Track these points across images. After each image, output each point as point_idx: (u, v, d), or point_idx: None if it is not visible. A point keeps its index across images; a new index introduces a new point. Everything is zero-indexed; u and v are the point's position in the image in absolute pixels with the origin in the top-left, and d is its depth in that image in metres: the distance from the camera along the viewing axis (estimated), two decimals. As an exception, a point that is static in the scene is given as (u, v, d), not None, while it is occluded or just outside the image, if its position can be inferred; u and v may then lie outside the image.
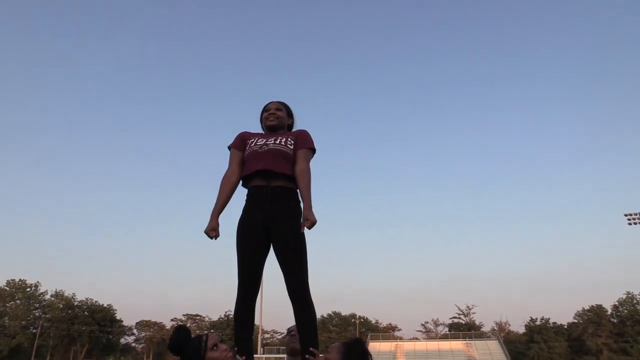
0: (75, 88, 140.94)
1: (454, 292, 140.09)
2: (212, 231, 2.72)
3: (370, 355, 2.14)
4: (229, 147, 2.93)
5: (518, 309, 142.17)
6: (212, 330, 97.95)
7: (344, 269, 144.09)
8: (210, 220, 2.72)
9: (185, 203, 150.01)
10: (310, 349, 2.49)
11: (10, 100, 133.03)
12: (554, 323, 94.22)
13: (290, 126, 3.14)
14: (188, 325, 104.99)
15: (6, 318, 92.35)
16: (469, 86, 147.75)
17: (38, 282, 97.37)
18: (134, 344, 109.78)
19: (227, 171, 2.88)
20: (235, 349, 2.53)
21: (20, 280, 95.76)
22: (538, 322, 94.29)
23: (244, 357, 2.49)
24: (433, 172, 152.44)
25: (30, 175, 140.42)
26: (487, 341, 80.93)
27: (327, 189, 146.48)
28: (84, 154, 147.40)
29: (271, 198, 2.72)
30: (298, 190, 2.78)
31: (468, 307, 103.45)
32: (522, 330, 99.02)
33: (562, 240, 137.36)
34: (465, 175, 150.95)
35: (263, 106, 3.07)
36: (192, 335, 2.29)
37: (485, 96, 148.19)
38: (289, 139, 2.92)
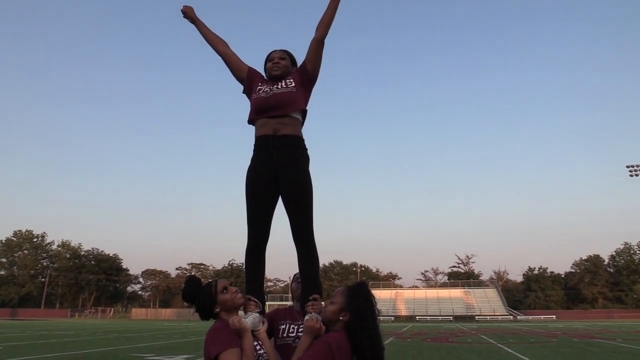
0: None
1: (453, 242, 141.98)
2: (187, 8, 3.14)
3: (374, 297, 2.26)
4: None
5: (516, 258, 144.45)
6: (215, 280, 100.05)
7: (346, 218, 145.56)
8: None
9: (188, 153, 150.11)
10: (313, 295, 2.53)
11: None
12: (552, 272, 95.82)
13: None
14: (192, 274, 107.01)
15: (15, 268, 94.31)
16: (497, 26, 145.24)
17: (44, 232, 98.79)
18: (140, 292, 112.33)
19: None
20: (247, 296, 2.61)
21: (27, 230, 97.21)
22: (536, 272, 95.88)
23: (257, 302, 2.54)
24: (434, 120, 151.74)
25: (34, 130, 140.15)
26: (486, 289, 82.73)
27: (330, 138, 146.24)
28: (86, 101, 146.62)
29: (277, 146, 2.75)
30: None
31: (467, 256, 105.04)
32: (520, 279, 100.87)
33: (562, 190, 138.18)
34: (466, 124, 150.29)
35: (266, 55, 3.09)
36: (203, 284, 2.42)
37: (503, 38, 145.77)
38: (289, 80, 2.93)
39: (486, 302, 76.00)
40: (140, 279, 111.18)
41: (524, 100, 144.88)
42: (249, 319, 2.29)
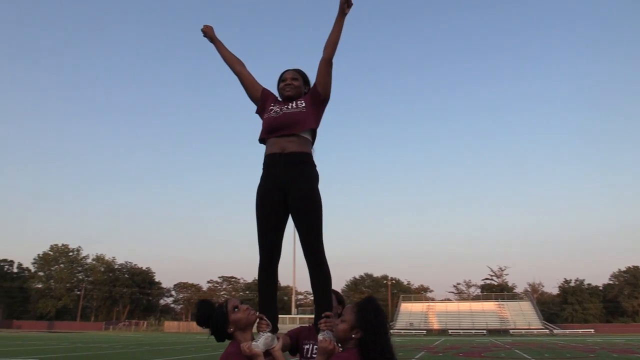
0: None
1: (486, 253, 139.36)
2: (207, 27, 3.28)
3: (382, 312, 2.23)
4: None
5: (552, 270, 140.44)
6: (247, 292, 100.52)
7: (377, 230, 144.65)
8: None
9: (221, 168, 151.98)
10: (326, 312, 2.53)
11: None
12: (589, 284, 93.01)
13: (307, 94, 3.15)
14: (224, 287, 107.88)
15: (52, 281, 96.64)
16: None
17: (80, 246, 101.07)
18: (172, 305, 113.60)
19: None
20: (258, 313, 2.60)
21: (62, 245, 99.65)
22: (572, 284, 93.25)
23: (268, 322, 2.55)
24: (464, 128, 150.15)
25: (68, 145, 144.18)
26: (520, 302, 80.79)
27: (360, 149, 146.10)
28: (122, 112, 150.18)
29: (285, 164, 2.78)
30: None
31: (500, 268, 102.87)
32: (555, 291, 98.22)
33: (599, 199, 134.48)
34: (499, 132, 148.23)
35: (279, 75, 3.13)
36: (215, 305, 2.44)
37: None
38: (300, 101, 2.97)
39: (521, 316, 74.24)
40: (173, 292, 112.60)
41: (559, 108, 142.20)
42: (261, 340, 2.30)
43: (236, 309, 2.35)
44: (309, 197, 2.74)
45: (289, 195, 2.74)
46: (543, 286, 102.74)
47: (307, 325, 2.97)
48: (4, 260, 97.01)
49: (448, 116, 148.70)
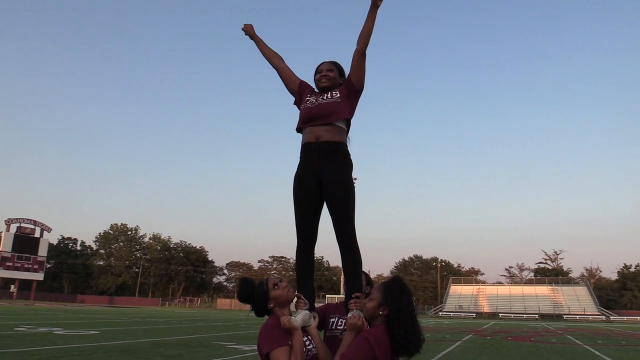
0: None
1: (540, 237, 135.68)
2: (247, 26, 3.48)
3: (408, 290, 2.32)
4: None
5: (610, 255, 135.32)
6: (291, 272, 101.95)
7: (427, 212, 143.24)
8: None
9: (274, 149, 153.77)
10: (355, 293, 2.64)
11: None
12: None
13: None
14: (274, 266, 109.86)
15: (112, 259, 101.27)
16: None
17: (137, 225, 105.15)
18: (225, 283, 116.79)
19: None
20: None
21: (122, 224, 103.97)
22: (633, 269, 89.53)
23: (305, 301, 2.69)
24: (517, 110, 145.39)
25: (125, 127, 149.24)
26: (575, 287, 78.48)
27: (414, 132, 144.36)
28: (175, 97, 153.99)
29: (319, 152, 2.90)
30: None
31: (556, 252, 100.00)
32: (614, 277, 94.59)
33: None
34: (552, 112, 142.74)
35: (316, 67, 3.22)
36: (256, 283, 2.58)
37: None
38: (335, 91, 3.07)
39: (575, 301, 72.20)
40: (225, 271, 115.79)
41: (610, 86, 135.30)
42: (299, 316, 2.44)
43: (276, 287, 2.48)
44: (341, 184, 2.84)
45: (322, 182, 2.86)
46: (601, 271, 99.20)
47: (336, 302, 3.14)
48: (69, 239, 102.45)
49: (503, 95, 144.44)
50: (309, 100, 3.09)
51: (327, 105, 3.01)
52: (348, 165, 2.96)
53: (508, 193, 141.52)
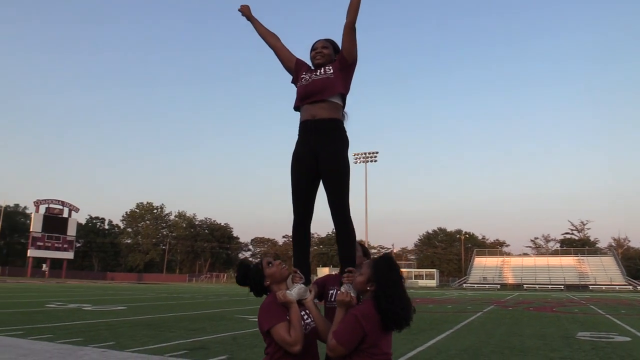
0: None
1: (566, 207, 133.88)
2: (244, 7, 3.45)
3: (397, 267, 2.36)
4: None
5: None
6: (320, 246, 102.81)
7: (450, 184, 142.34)
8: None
9: (290, 125, 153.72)
10: (348, 268, 2.68)
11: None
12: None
13: None
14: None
15: (139, 237, 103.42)
16: None
17: (163, 204, 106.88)
18: (250, 259, 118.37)
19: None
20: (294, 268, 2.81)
21: (147, 202, 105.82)
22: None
23: (301, 275, 2.75)
24: (540, 79, 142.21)
25: (149, 110, 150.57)
26: (602, 257, 77.46)
27: (439, 104, 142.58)
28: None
29: (315, 130, 2.94)
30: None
31: (582, 222, 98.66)
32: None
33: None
34: (576, 80, 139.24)
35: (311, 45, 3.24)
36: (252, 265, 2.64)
37: None
38: (328, 67, 3.09)
39: (602, 271, 71.33)
40: (250, 247, 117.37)
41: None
42: (295, 290, 2.51)
43: (270, 265, 2.55)
44: (336, 160, 2.89)
45: (319, 158, 2.91)
46: (629, 241, 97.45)
47: (335, 273, 3.21)
48: (97, 218, 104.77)
49: (524, 67, 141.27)
50: (303, 77, 3.12)
51: (320, 81, 3.03)
52: (343, 141, 3.00)
53: (533, 163, 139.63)
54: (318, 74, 3.08)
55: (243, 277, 2.62)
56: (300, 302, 2.50)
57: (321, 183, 2.99)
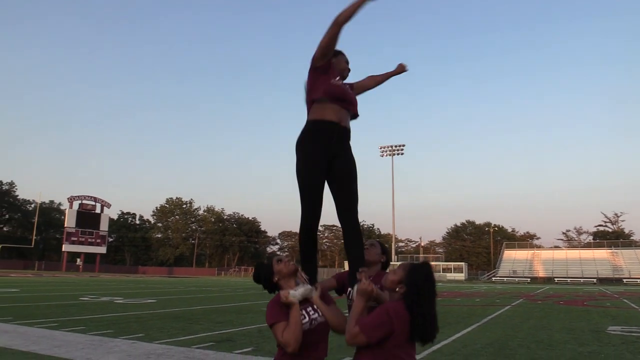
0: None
1: (599, 199, 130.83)
2: None
3: (433, 279, 2.32)
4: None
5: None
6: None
7: (480, 176, 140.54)
8: None
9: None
10: (360, 269, 2.74)
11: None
12: None
13: None
14: (325, 235, 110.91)
15: (169, 231, 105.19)
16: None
17: (192, 199, 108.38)
18: (278, 252, 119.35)
19: None
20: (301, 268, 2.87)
21: (177, 198, 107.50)
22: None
23: (307, 277, 2.79)
24: (569, 70, 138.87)
25: (175, 107, 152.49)
26: (637, 250, 75.41)
27: (466, 94, 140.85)
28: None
29: (339, 136, 2.97)
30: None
31: (616, 214, 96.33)
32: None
33: None
34: (619, 72, 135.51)
35: (341, 53, 3.23)
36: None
37: None
38: (350, 86, 3.27)
39: (637, 264, 69.55)
40: (278, 240, 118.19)
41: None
42: (299, 290, 2.58)
43: (279, 262, 2.67)
44: (354, 165, 3.04)
45: (335, 164, 2.95)
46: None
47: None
48: (128, 214, 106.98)
49: (558, 52, 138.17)
50: (338, 80, 3.12)
51: (354, 96, 3.18)
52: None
53: (566, 154, 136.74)
54: (349, 87, 3.20)
55: (257, 276, 2.74)
56: (307, 300, 2.56)
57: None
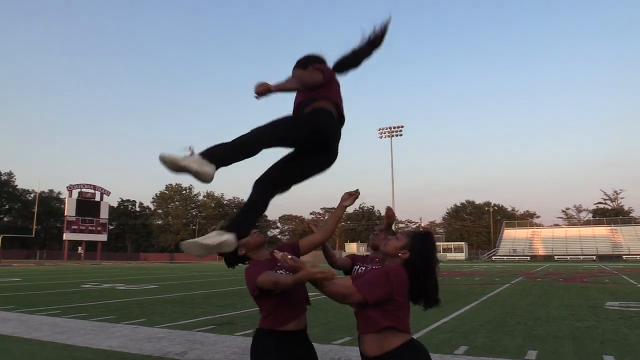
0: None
1: (598, 176, 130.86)
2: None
3: (435, 248, 2.37)
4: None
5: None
6: (348, 222, 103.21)
7: (478, 155, 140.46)
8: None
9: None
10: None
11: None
12: None
13: None
14: (326, 217, 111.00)
15: (170, 217, 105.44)
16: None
17: (191, 184, 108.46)
18: (279, 236, 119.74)
19: None
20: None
21: (176, 184, 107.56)
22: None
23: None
24: (571, 47, 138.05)
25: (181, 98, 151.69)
26: (636, 227, 75.75)
27: (462, 74, 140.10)
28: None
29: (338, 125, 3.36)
30: None
31: (615, 191, 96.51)
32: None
33: None
34: (611, 55, 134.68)
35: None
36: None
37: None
38: None
39: (636, 240, 69.90)
40: (278, 224, 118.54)
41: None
42: (213, 233, 2.69)
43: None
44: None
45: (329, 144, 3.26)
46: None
47: (362, 254, 3.32)
48: (128, 201, 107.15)
49: (553, 35, 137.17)
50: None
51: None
52: None
53: (563, 132, 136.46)
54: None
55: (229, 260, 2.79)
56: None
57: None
